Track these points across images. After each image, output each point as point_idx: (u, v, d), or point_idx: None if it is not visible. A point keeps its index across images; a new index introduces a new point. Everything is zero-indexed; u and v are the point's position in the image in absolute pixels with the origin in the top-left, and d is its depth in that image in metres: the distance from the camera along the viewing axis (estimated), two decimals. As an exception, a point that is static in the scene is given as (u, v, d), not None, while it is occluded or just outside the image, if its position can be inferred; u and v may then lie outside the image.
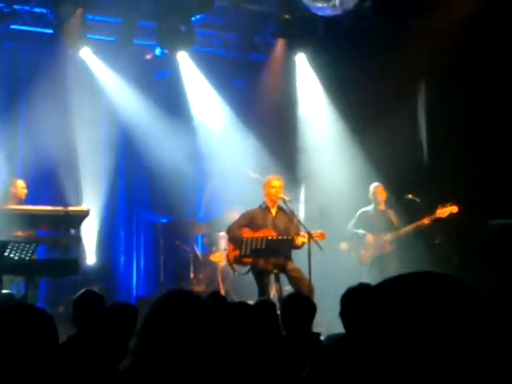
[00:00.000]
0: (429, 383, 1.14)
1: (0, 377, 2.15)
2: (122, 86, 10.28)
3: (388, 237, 8.92)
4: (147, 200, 11.00)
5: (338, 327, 3.90)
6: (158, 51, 9.97)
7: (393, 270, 8.52)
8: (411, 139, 10.13)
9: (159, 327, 2.09)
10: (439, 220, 8.64)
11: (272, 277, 7.98)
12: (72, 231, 7.99)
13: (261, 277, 7.85)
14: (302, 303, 4.50)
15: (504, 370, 1.15)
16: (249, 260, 7.91)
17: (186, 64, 10.52)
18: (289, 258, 7.93)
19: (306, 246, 7.72)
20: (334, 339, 3.52)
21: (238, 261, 8.01)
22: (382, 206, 9.12)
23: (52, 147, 9.72)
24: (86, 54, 9.84)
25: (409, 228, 8.84)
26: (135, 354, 2.12)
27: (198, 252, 10.53)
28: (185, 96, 10.77)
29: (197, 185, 11.24)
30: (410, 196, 8.88)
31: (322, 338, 4.24)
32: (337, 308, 3.93)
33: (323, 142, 10.70)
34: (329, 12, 9.05)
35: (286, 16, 9.88)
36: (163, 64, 10.50)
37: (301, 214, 9.80)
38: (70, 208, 8.12)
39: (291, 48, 10.56)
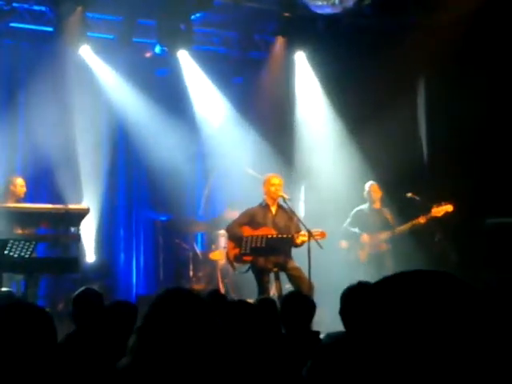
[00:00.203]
0: (429, 381, 1.14)
1: None
2: (121, 84, 10.27)
3: (383, 236, 8.95)
4: (147, 198, 11.00)
5: (338, 325, 3.91)
6: (157, 49, 9.96)
7: (389, 268, 8.55)
8: (411, 138, 10.13)
9: (158, 325, 2.09)
10: (435, 219, 8.66)
11: (272, 275, 7.98)
12: (72, 229, 7.98)
13: (261, 275, 7.85)
14: (301, 301, 4.51)
15: (502, 367, 1.16)
16: (249, 258, 7.91)
17: (186, 62, 10.52)
18: (289, 256, 7.93)
19: (306, 245, 7.72)
20: (333, 337, 3.52)
21: (238, 259, 8.01)
22: (377, 205, 9.14)
23: (51, 145, 9.72)
24: (86, 52, 9.83)
25: (404, 227, 8.86)
26: (134, 352, 2.12)
27: (198, 250, 10.53)
28: (184, 94, 10.77)
29: (196, 183, 11.24)
30: (409, 194, 8.89)
31: (322, 336, 4.24)
32: (336, 306, 3.94)
33: (322, 141, 10.69)
34: (328, 10, 9.04)
35: (286, 14, 9.88)
36: (163, 62, 10.49)
37: (301, 212, 9.80)
38: (70, 206, 8.12)
39: (291, 46, 10.55)
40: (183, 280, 10.12)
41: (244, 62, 10.75)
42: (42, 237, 8.18)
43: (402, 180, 9.23)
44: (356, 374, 1.22)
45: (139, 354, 2.10)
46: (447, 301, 1.17)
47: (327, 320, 6.36)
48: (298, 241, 7.83)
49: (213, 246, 10.44)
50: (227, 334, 3.17)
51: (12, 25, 9.36)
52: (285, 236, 7.83)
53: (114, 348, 3.74)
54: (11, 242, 7.16)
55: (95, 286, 6.09)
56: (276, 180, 8.11)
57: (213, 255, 10.22)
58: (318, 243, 7.65)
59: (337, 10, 9.04)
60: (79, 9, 9.07)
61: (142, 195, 11.02)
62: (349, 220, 9.18)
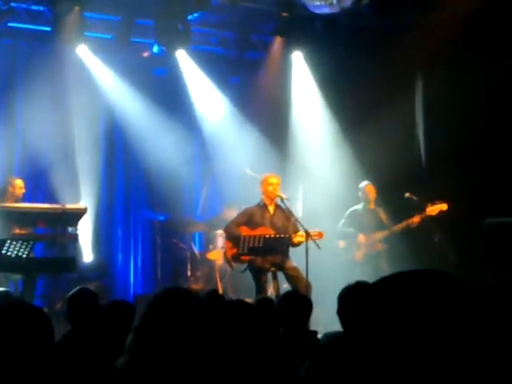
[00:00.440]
0: (427, 381, 1.14)
1: None
2: (119, 83, 10.26)
3: (379, 235, 8.96)
4: (145, 198, 11.00)
5: (336, 325, 3.91)
6: (155, 49, 9.95)
7: (386, 268, 8.57)
8: (408, 138, 10.13)
9: (156, 325, 2.09)
10: (430, 218, 8.68)
11: (270, 275, 7.98)
12: (69, 229, 7.97)
13: (258, 275, 7.85)
14: (298, 301, 4.51)
15: (501, 366, 1.16)
16: (246, 258, 7.91)
17: (185, 62, 10.51)
18: (286, 256, 7.93)
19: (303, 245, 7.72)
20: (331, 337, 3.52)
21: (236, 259, 8.00)
22: (372, 205, 9.15)
23: (49, 145, 9.71)
24: (84, 52, 9.82)
25: (399, 227, 8.88)
26: (131, 352, 2.12)
27: (196, 250, 10.53)
28: (182, 93, 10.76)
29: (194, 182, 11.24)
30: (407, 195, 8.89)
31: (320, 336, 4.24)
32: (334, 306, 3.94)
33: (319, 141, 10.69)
34: (326, 10, 9.04)
35: (284, 14, 9.87)
36: (160, 62, 10.47)
37: (299, 212, 9.80)
38: (68, 206, 8.11)
39: (289, 46, 10.54)
40: (181, 280, 10.12)
41: (241, 62, 10.74)
42: (39, 236, 8.17)
43: (400, 180, 9.23)
44: (354, 374, 1.22)
45: (136, 354, 2.10)
46: (445, 300, 1.17)
47: (325, 320, 6.36)
48: (296, 241, 7.83)
49: (210, 246, 10.44)
50: (225, 333, 3.17)
51: (10, 24, 9.34)
52: (282, 236, 7.83)
53: (111, 348, 3.74)
54: (9, 241, 7.15)
55: (93, 286, 6.09)
56: (274, 180, 8.11)
57: (210, 255, 10.22)
58: (316, 243, 7.66)
59: (335, 10, 9.03)
60: (77, 8, 9.06)
61: (140, 195, 11.01)
62: (343, 220, 9.20)
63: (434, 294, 1.18)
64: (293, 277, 7.81)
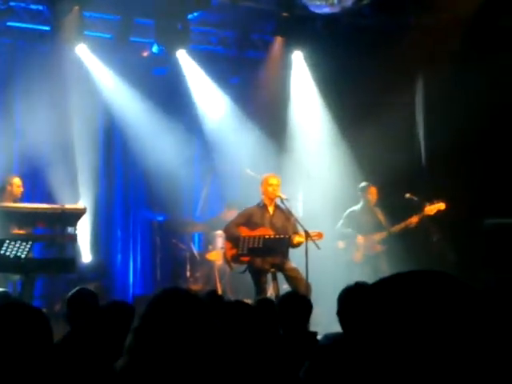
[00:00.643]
0: (427, 382, 1.13)
1: None
2: (118, 83, 10.26)
3: (377, 237, 8.96)
4: (144, 198, 10.99)
5: (335, 326, 3.90)
6: (154, 48, 9.95)
7: (385, 269, 8.57)
8: (409, 138, 10.14)
9: (155, 325, 2.08)
10: (429, 218, 8.68)
11: (269, 276, 7.97)
12: (68, 229, 7.96)
13: (258, 275, 7.85)
14: (298, 302, 4.50)
15: (501, 366, 1.15)
16: (246, 259, 7.90)
17: (185, 61, 10.51)
18: (286, 257, 7.93)
19: (303, 245, 7.71)
20: (331, 338, 3.51)
21: (236, 259, 8.00)
22: (371, 206, 9.15)
23: (48, 144, 9.71)
24: (83, 51, 9.81)
25: (397, 228, 8.88)
26: (131, 353, 2.11)
27: (195, 250, 10.53)
28: (182, 93, 10.76)
29: (194, 183, 11.24)
30: (407, 195, 8.89)
31: (319, 337, 4.23)
32: (334, 307, 3.92)
33: (319, 141, 10.69)
34: (327, 10, 9.03)
35: (284, 14, 9.87)
36: (160, 61, 10.47)
37: (299, 212, 9.79)
38: (67, 206, 8.10)
39: (289, 46, 10.54)
40: (180, 280, 10.12)
41: (241, 62, 10.74)
42: (38, 237, 8.16)
43: (400, 180, 9.23)
44: (354, 375, 1.21)
45: (136, 355, 2.08)
46: (444, 301, 1.17)
47: (325, 321, 6.35)
48: (295, 241, 7.83)
49: (210, 247, 10.44)
50: (225, 334, 3.16)
51: (9, 24, 9.35)
52: (282, 236, 7.83)
53: (111, 348, 3.72)
54: (7, 241, 7.14)
55: (92, 287, 6.07)
56: (274, 180, 8.10)
57: (210, 256, 10.22)
58: (316, 244, 7.65)
59: (335, 10, 9.03)
60: (76, 8, 9.05)
61: (139, 195, 11.01)
62: (342, 221, 9.20)
63: (434, 295, 1.18)
64: (292, 278, 7.80)
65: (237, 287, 9.47)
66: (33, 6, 9.28)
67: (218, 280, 9.94)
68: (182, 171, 10.62)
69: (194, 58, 10.49)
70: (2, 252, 7.08)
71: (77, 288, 4.90)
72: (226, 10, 9.85)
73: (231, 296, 9.22)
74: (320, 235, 7.86)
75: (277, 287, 7.95)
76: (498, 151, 9.34)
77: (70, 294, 4.79)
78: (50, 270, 7.92)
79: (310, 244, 7.64)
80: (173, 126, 10.43)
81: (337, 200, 9.60)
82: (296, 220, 7.97)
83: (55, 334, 2.50)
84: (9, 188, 8.62)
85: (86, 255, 9.99)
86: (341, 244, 9.16)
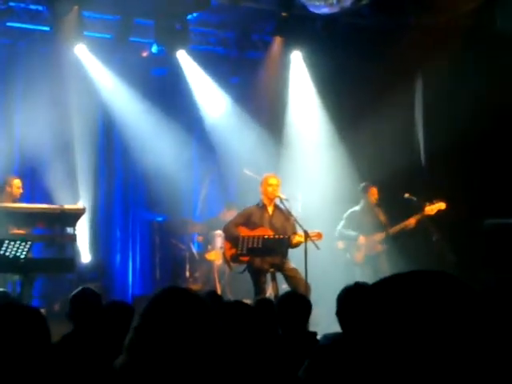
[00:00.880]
0: (426, 382, 1.13)
1: None
2: (117, 83, 10.25)
3: (378, 237, 8.96)
4: (143, 198, 10.99)
5: (335, 326, 3.89)
6: (154, 48, 9.95)
7: (386, 268, 8.56)
8: (408, 138, 10.14)
9: (155, 324, 2.08)
10: (428, 218, 8.68)
11: (268, 276, 7.97)
12: (68, 229, 7.97)
13: (257, 275, 7.84)
14: (297, 302, 4.49)
15: (500, 366, 1.14)
16: (245, 259, 7.90)
17: (185, 61, 10.51)
18: (285, 257, 7.92)
19: (302, 246, 7.71)
20: (330, 338, 3.51)
21: (235, 259, 8.00)
22: (372, 206, 9.14)
23: (48, 145, 9.72)
24: (82, 52, 9.81)
25: (395, 229, 8.87)
26: (130, 352, 2.11)
27: (194, 250, 10.52)
28: (181, 93, 10.76)
29: (193, 183, 11.23)
30: (406, 195, 8.89)
31: (319, 337, 4.23)
32: (333, 307, 3.92)
33: (318, 141, 10.70)
34: (326, 10, 9.03)
35: (284, 14, 9.86)
36: (159, 62, 10.47)
37: (299, 212, 9.79)
38: (66, 206, 8.10)
39: (288, 46, 10.54)
40: (180, 280, 10.11)
41: (241, 62, 10.74)
42: (37, 237, 8.17)
43: (400, 181, 9.23)
44: (353, 375, 1.21)
45: (135, 353, 2.08)
46: (444, 301, 1.17)
47: (324, 321, 6.35)
48: (295, 241, 7.82)
49: (209, 247, 10.44)
50: (224, 334, 3.16)
51: (9, 24, 9.34)
52: (281, 237, 7.82)
53: (111, 348, 3.72)
54: (7, 241, 7.13)
55: (91, 287, 6.05)
56: (273, 180, 8.10)
57: (209, 255, 10.22)
58: (315, 244, 7.65)
59: (334, 10, 9.03)
60: (76, 8, 9.04)
61: (139, 195, 11.01)
62: (343, 222, 9.18)
63: (433, 295, 1.18)
64: (292, 278, 7.80)
65: (236, 287, 9.47)
66: (32, 7, 9.27)
67: (217, 280, 9.94)
68: (181, 171, 10.62)
69: (193, 59, 10.50)
70: (2, 252, 7.07)
71: (80, 287, 4.88)
72: (225, 10, 9.85)
73: (230, 296, 9.22)
74: (319, 235, 7.86)
75: (276, 287, 7.94)
76: (497, 151, 9.34)
77: (73, 293, 4.77)
78: (50, 270, 7.92)
79: (310, 244, 7.64)
80: (172, 126, 10.43)
81: (335, 200, 9.59)
82: (295, 220, 7.96)
83: (54, 334, 2.50)
84: (8, 189, 8.61)
85: (86, 255, 9.99)
86: (340, 244, 9.16)
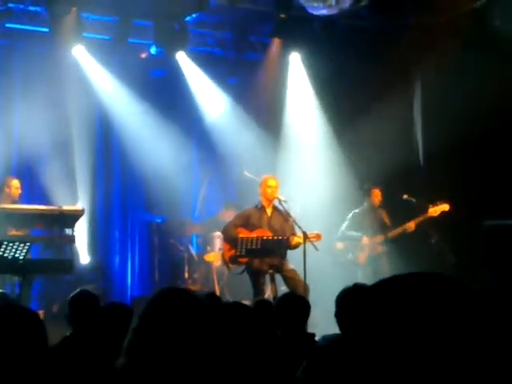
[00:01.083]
0: (425, 383, 1.13)
1: None
2: (116, 84, 10.25)
3: (379, 238, 8.95)
4: (142, 199, 10.98)
5: (333, 328, 3.89)
6: (153, 50, 9.95)
7: (386, 270, 8.55)
8: (407, 138, 10.14)
9: (154, 325, 2.08)
10: (432, 219, 8.67)
11: (267, 277, 7.97)
12: (66, 230, 7.96)
13: (256, 277, 7.84)
14: (296, 303, 4.49)
15: (500, 368, 1.15)
16: (244, 260, 7.90)
17: (184, 63, 10.51)
18: (284, 258, 7.92)
19: (301, 247, 7.70)
20: (329, 340, 3.51)
21: (234, 260, 7.99)
22: (375, 207, 9.13)
23: (46, 146, 9.72)
24: (80, 53, 9.81)
25: (395, 232, 8.86)
26: (129, 353, 2.11)
27: (193, 252, 10.52)
28: (180, 94, 10.76)
29: (192, 184, 11.22)
30: (405, 196, 8.88)
31: (317, 338, 4.23)
32: (332, 308, 3.92)
33: (316, 142, 10.70)
34: (325, 11, 9.03)
35: (282, 15, 9.86)
36: (158, 63, 10.47)
37: (297, 213, 9.79)
38: (65, 207, 8.10)
39: (287, 47, 10.55)
40: (178, 281, 10.11)
41: (239, 63, 10.74)
42: (36, 238, 8.17)
43: (399, 181, 9.23)
44: (351, 377, 1.21)
45: (134, 355, 2.08)
46: (443, 302, 1.17)
47: (322, 322, 6.35)
48: (294, 242, 7.82)
49: (208, 248, 10.43)
50: (223, 335, 3.16)
51: (7, 25, 9.34)
52: (280, 238, 7.82)
53: (110, 350, 3.72)
54: (5, 243, 7.13)
55: (90, 288, 6.06)
56: (272, 182, 8.10)
57: (208, 257, 10.21)
58: (314, 245, 7.65)
59: (333, 12, 9.03)
60: (74, 9, 9.04)
61: (137, 197, 11.00)
62: (346, 223, 9.17)
63: (432, 297, 1.18)
64: (290, 279, 7.80)
65: (235, 288, 9.46)
66: (31, 8, 9.28)
67: (216, 281, 9.93)
68: (180, 172, 10.61)
69: (191, 60, 10.50)
70: (0, 253, 7.07)
71: (78, 289, 4.88)
72: (223, 11, 9.84)
73: (229, 297, 9.21)
74: (318, 237, 7.86)
75: (275, 288, 7.94)
76: (497, 151, 9.34)
77: (71, 295, 4.77)
78: (48, 271, 7.91)
79: (308, 245, 7.64)
80: (171, 127, 10.43)
81: (334, 201, 9.59)
82: (294, 221, 7.96)
83: (53, 336, 2.50)
84: (7, 190, 8.61)
85: (84, 256, 9.98)
86: (339, 245, 9.16)
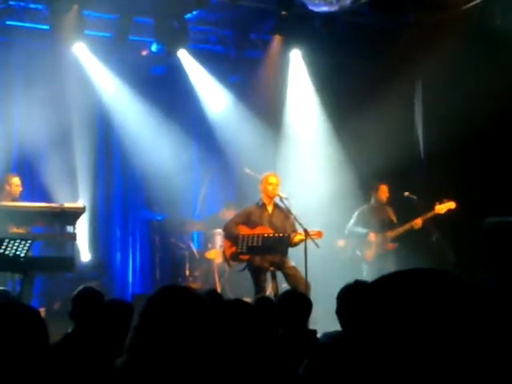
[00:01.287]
0: (426, 380, 1.13)
1: None
2: (117, 82, 10.25)
3: (388, 235, 8.92)
4: (143, 197, 10.98)
5: (335, 325, 3.89)
6: (154, 47, 9.95)
7: (391, 267, 8.52)
8: (407, 136, 10.13)
9: (155, 323, 2.08)
10: (436, 216, 8.66)
11: (268, 274, 7.96)
12: (67, 228, 7.96)
13: (257, 274, 7.84)
14: (297, 300, 4.49)
15: (500, 366, 1.15)
16: (245, 257, 7.90)
17: (186, 60, 10.51)
18: (285, 255, 7.92)
19: (302, 244, 7.70)
20: (330, 337, 3.51)
21: (235, 258, 8.00)
22: (382, 204, 9.11)
23: (47, 143, 9.72)
24: (81, 50, 9.81)
25: (404, 228, 8.84)
26: (131, 350, 2.11)
27: (194, 249, 10.52)
28: (180, 92, 10.75)
29: (192, 182, 11.22)
30: (406, 194, 8.87)
31: (319, 335, 4.23)
32: (333, 305, 3.92)
33: (317, 139, 10.69)
34: (325, 9, 9.03)
35: (283, 12, 9.86)
36: (159, 60, 10.47)
37: (298, 210, 9.79)
38: (66, 205, 8.09)
39: (287, 44, 10.54)
40: (179, 279, 10.12)
41: (240, 61, 10.73)
42: (37, 235, 8.17)
43: (399, 180, 9.22)
44: (353, 374, 1.21)
45: (136, 353, 2.08)
46: (444, 299, 1.17)
47: (324, 319, 6.35)
48: (295, 240, 7.82)
49: (209, 245, 10.44)
50: (224, 333, 3.16)
51: (8, 23, 9.33)
52: (281, 235, 7.82)
53: (111, 347, 3.72)
54: (7, 240, 7.13)
55: (91, 285, 6.07)
56: (273, 179, 8.10)
57: (209, 254, 10.22)
58: (315, 242, 7.64)
59: (334, 9, 9.03)
60: (75, 7, 9.03)
61: (138, 194, 11.00)
62: (353, 220, 9.15)
63: (434, 293, 1.18)
64: (292, 276, 7.80)
65: (236, 286, 9.47)
66: (32, 5, 9.27)
67: (217, 279, 9.94)
68: (181, 170, 10.61)
69: (193, 57, 10.49)
70: (2, 251, 7.07)
71: (82, 286, 4.87)
72: (224, 8, 9.84)
73: (230, 294, 9.21)
74: (319, 234, 7.85)
75: (276, 286, 7.94)
76: (497, 151, 9.33)
77: (75, 292, 4.75)
78: (49, 268, 7.91)
79: (309, 243, 7.64)
80: (171, 124, 10.43)
81: (334, 199, 9.59)
82: (295, 219, 7.96)
83: (54, 333, 2.49)
84: (7, 187, 8.60)
85: (85, 254, 9.98)
86: (340, 242, 9.15)
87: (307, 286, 7.47)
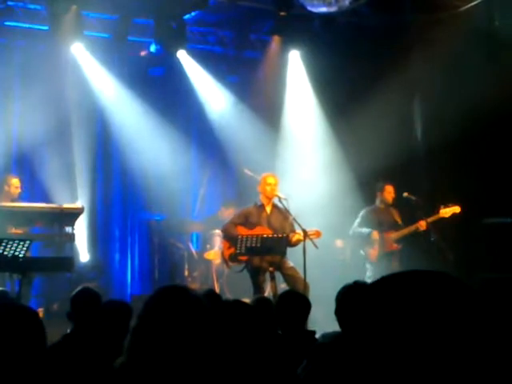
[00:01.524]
0: (424, 380, 1.13)
1: None
2: (116, 82, 10.25)
3: (394, 235, 8.89)
4: (141, 198, 10.98)
5: (333, 325, 3.89)
6: (152, 48, 9.95)
7: (396, 268, 8.48)
8: (407, 137, 10.13)
9: (154, 324, 2.08)
10: (441, 220, 8.63)
11: (267, 275, 7.96)
12: (66, 228, 7.96)
13: (256, 275, 7.84)
14: (296, 301, 4.49)
15: (499, 367, 1.15)
16: (244, 258, 7.89)
17: (185, 61, 10.51)
18: (284, 256, 7.92)
19: (300, 245, 7.70)
20: (329, 337, 3.51)
21: (233, 258, 7.99)
22: (388, 205, 9.08)
23: (46, 144, 9.71)
24: (80, 51, 9.81)
25: (410, 229, 8.80)
26: (130, 351, 2.11)
27: (193, 250, 10.52)
28: (179, 92, 10.75)
29: (191, 183, 11.22)
30: (405, 194, 8.86)
31: (318, 335, 4.23)
32: (332, 306, 3.92)
33: (315, 139, 10.70)
34: (324, 9, 9.03)
35: (282, 13, 9.87)
36: (157, 61, 10.47)
37: (297, 210, 9.78)
38: (65, 205, 8.10)
39: (286, 45, 10.55)
40: (178, 279, 10.11)
41: (239, 61, 10.75)
42: (36, 236, 8.16)
43: (398, 180, 9.22)
44: (351, 374, 1.21)
45: (134, 354, 2.08)
46: (443, 300, 1.17)
47: (323, 320, 6.35)
48: (294, 240, 7.81)
49: (208, 246, 10.43)
50: (222, 333, 3.16)
51: (7, 23, 9.34)
52: (280, 236, 7.81)
53: (110, 348, 3.72)
54: (5, 241, 7.12)
55: (90, 286, 6.06)
56: (272, 180, 8.09)
57: (208, 255, 10.22)
58: (314, 243, 7.64)
59: (332, 9, 9.03)
60: (74, 7, 9.04)
61: (137, 195, 10.99)
62: (358, 221, 9.12)
63: (432, 295, 1.18)
64: (290, 277, 7.79)
65: (234, 286, 9.47)
66: (31, 6, 9.28)
67: (215, 279, 9.94)
68: (180, 170, 10.61)
69: (191, 58, 10.50)
70: (0, 251, 7.07)
71: (80, 287, 4.87)
72: (223, 9, 9.85)
73: (229, 295, 9.21)
74: (318, 233, 7.84)
75: (275, 286, 7.93)
76: (497, 150, 9.33)
77: (73, 292, 4.75)
78: (48, 269, 7.91)
79: (308, 243, 7.63)
80: (170, 125, 10.43)
81: (332, 199, 9.59)
82: (294, 219, 7.95)
83: (53, 334, 2.49)
84: (6, 188, 8.60)
85: (84, 254, 9.98)
86: (339, 243, 9.15)
87: (306, 286, 7.47)
